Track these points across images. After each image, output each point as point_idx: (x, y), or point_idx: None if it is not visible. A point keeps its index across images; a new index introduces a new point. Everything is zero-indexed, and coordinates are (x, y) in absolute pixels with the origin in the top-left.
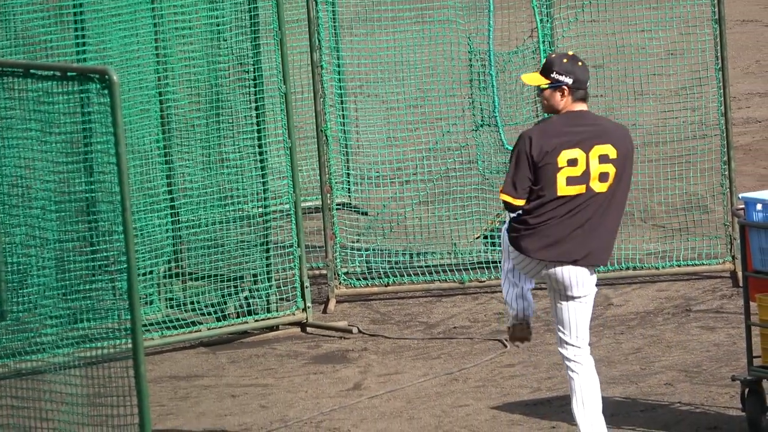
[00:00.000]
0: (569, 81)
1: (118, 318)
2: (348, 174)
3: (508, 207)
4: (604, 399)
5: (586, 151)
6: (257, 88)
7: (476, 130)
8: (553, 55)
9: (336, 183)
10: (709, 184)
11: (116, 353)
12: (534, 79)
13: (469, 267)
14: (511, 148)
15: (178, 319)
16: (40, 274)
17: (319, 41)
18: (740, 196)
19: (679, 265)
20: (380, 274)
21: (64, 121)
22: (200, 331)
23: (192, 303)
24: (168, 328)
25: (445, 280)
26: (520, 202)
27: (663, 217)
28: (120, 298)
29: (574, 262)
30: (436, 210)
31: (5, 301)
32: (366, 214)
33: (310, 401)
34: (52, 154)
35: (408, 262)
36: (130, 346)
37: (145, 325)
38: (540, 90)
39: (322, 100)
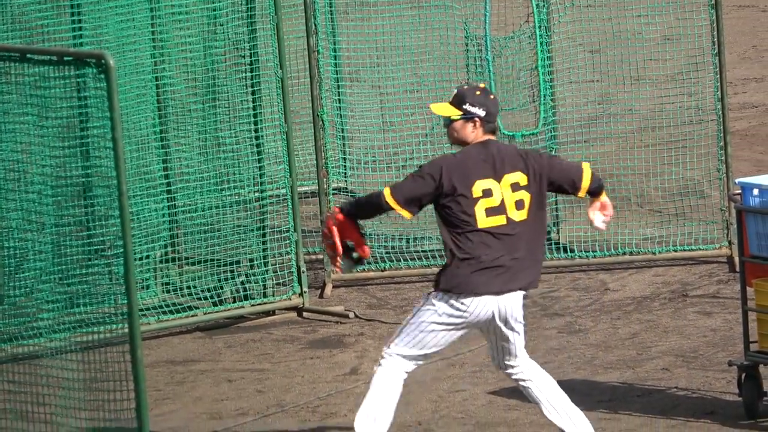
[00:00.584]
0: (482, 113)
1: (114, 303)
2: (344, 159)
3: (390, 210)
4: (601, 384)
5: (498, 180)
6: (254, 73)
7: None
8: (466, 87)
9: (332, 168)
10: (705, 169)
11: (113, 338)
12: (444, 109)
13: None
14: (507, 132)
15: (174, 304)
16: (36, 258)
17: (315, 26)
18: (737, 181)
19: (675, 250)
20: (377, 259)
21: (61, 105)
22: (197, 315)
23: (188, 288)
24: (164, 312)
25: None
26: (407, 214)
27: (659, 202)
28: (116, 282)
29: (516, 290)
30: None
31: (2, 286)
32: None
33: (306, 386)
34: (49, 139)
35: (404, 247)
36: (126, 330)
37: (141, 310)
38: (449, 121)
39: (318, 84)
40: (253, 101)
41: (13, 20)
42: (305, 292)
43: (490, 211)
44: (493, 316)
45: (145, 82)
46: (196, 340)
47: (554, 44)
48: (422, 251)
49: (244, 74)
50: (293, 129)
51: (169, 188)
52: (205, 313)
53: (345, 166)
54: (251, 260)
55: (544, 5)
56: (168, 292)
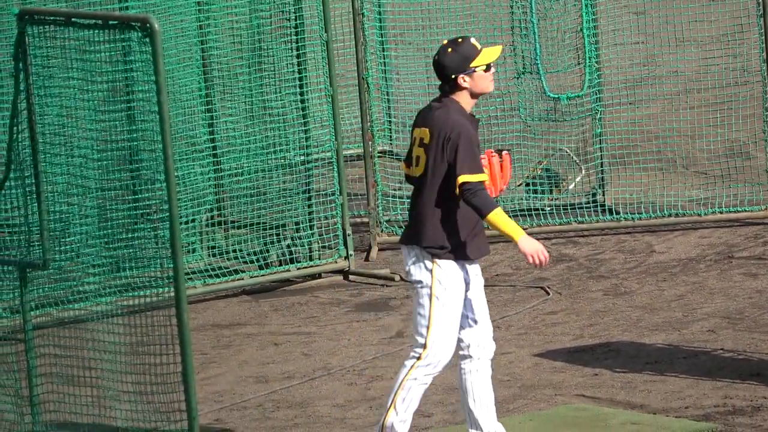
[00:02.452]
0: None
1: (160, 266)
2: (390, 122)
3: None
4: (647, 346)
5: (411, 133)
6: (299, 37)
7: (518, 78)
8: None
9: (377, 131)
10: (750, 131)
11: (159, 302)
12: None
13: (510, 214)
14: (552, 95)
15: (220, 268)
16: (82, 223)
17: None
18: None
19: (721, 212)
20: None
21: (106, 70)
22: (243, 279)
23: (234, 251)
24: (210, 276)
25: (487, 227)
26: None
27: (705, 164)
28: (162, 246)
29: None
30: None
31: (48, 250)
32: None
33: (352, 349)
34: (94, 103)
35: None
36: (172, 294)
37: (187, 274)
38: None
39: (363, 47)
40: (299, 65)
41: None
42: (351, 255)
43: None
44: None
45: (190, 46)
46: (242, 304)
47: (599, 6)
48: None
49: (289, 38)
50: (338, 92)
51: (214, 152)
52: (251, 277)
53: (390, 129)
54: (297, 224)
55: None
56: (214, 255)
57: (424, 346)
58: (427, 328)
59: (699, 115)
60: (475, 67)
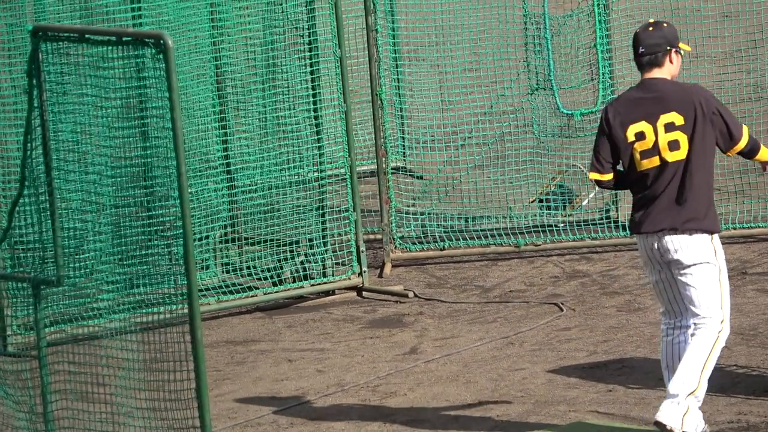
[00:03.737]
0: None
1: (174, 283)
2: (403, 138)
3: (598, 184)
4: (659, 362)
5: (653, 123)
6: (312, 53)
7: (531, 94)
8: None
9: (391, 147)
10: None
11: (173, 318)
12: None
13: (524, 231)
14: (566, 111)
15: (234, 284)
16: (96, 239)
17: (373, 5)
18: None
19: (734, 228)
20: (435, 238)
21: (120, 86)
22: (256, 295)
23: (248, 268)
24: (224, 293)
25: (501, 244)
26: (608, 176)
27: (718, 179)
28: (176, 263)
29: (668, 231)
30: (491, 174)
31: (61, 267)
32: (421, 178)
33: (366, 365)
34: (108, 120)
35: (463, 226)
36: (186, 311)
37: (201, 290)
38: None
39: (377, 64)
40: (312, 81)
41: (73, 1)
42: (365, 272)
43: (644, 154)
44: (652, 255)
45: (204, 62)
46: (256, 320)
47: (612, 22)
48: (481, 230)
49: (303, 54)
50: (352, 108)
51: (228, 168)
52: (264, 293)
53: (404, 145)
54: (311, 240)
55: None
56: (228, 272)
57: (721, 318)
58: (720, 299)
59: None
60: (680, 48)
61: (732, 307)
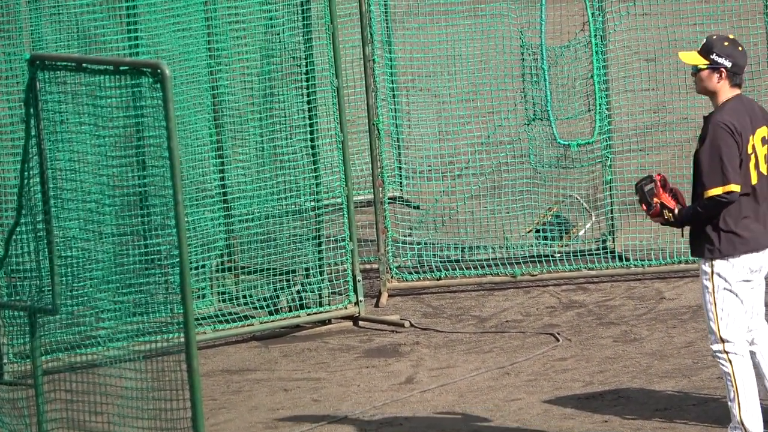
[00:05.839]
0: (728, 64)
1: (170, 312)
2: (400, 168)
3: (731, 198)
4: (657, 393)
5: (754, 136)
6: (309, 83)
7: (528, 124)
8: (714, 37)
9: (388, 177)
10: None
11: (169, 347)
12: (692, 57)
13: (521, 261)
14: (563, 141)
15: (230, 313)
16: (92, 268)
17: (371, 35)
18: None
19: None
20: (432, 267)
21: (117, 115)
22: (252, 325)
23: (244, 297)
24: (220, 321)
25: (497, 274)
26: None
27: None
28: (173, 292)
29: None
30: (488, 204)
31: (58, 295)
32: (418, 207)
33: (362, 395)
34: (105, 149)
35: (460, 256)
36: (182, 339)
37: (197, 319)
38: (696, 70)
39: (374, 94)
40: (309, 110)
41: (70, 30)
42: (361, 301)
43: (755, 167)
44: (757, 269)
45: (201, 91)
46: (252, 350)
47: (610, 53)
48: (477, 260)
49: (300, 83)
50: (349, 138)
51: (225, 197)
52: (261, 323)
53: (401, 175)
54: (307, 269)
55: (599, 14)
56: (224, 301)
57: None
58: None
59: None
60: None
61: None
